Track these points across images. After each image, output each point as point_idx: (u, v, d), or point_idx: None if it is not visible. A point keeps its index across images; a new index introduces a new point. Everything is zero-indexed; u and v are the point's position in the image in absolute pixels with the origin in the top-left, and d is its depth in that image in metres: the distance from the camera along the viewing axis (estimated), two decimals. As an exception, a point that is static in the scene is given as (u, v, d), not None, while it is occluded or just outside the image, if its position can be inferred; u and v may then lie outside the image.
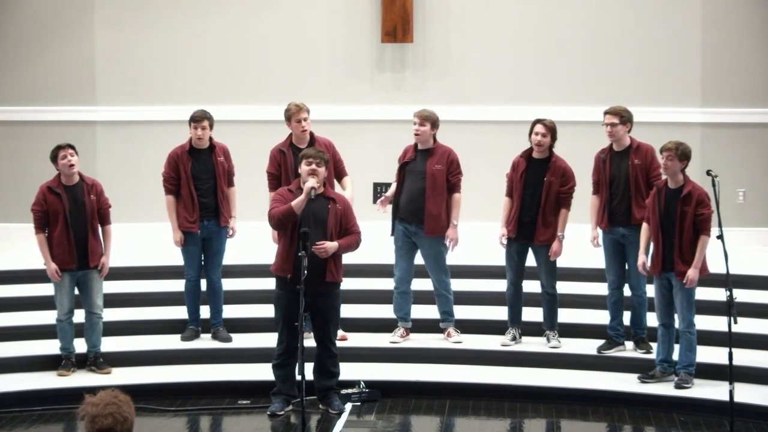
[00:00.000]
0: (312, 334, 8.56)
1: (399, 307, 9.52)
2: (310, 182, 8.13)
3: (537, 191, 9.18)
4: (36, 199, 8.92)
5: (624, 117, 9.06)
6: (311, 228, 8.04)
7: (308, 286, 7.79)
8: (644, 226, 8.67)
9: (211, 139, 9.55)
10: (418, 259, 9.53)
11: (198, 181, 9.47)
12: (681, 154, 8.41)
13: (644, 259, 8.60)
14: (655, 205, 8.52)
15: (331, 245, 8.15)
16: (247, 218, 10.26)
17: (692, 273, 8.35)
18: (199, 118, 9.44)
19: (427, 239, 9.35)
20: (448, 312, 9.53)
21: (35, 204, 8.91)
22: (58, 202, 8.84)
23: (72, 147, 8.90)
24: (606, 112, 9.12)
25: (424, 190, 9.30)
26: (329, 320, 8.37)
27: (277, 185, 9.14)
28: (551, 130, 9.19)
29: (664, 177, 8.60)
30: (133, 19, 12.48)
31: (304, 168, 8.25)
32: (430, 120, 9.34)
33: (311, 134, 9.40)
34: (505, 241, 9.30)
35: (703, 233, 8.38)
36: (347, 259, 9.88)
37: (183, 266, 9.66)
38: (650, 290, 8.98)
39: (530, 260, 9.38)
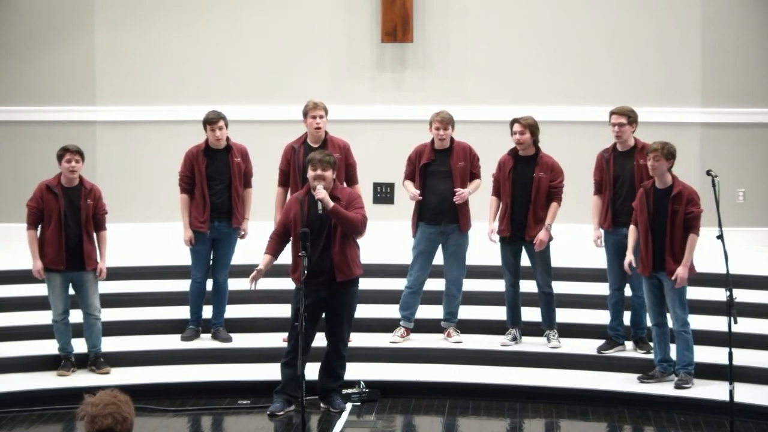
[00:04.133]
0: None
1: (407, 306, 9.52)
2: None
3: (527, 188, 9.23)
4: (33, 195, 8.93)
5: (631, 117, 9.08)
6: (317, 231, 8.08)
7: (324, 285, 7.96)
8: (632, 227, 8.68)
9: (228, 139, 9.53)
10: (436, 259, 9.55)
11: (212, 181, 9.44)
12: (667, 153, 8.43)
13: (632, 258, 8.62)
14: (644, 205, 8.53)
15: (328, 199, 8.12)
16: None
17: (681, 271, 8.36)
18: (215, 120, 9.40)
19: (458, 236, 9.41)
20: (453, 313, 9.53)
21: (31, 200, 8.92)
22: (55, 201, 8.84)
23: (80, 153, 8.88)
24: (613, 112, 9.12)
25: (453, 189, 9.34)
26: (342, 320, 8.34)
27: (286, 181, 9.36)
28: (528, 126, 9.24)
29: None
30: (133, 19, 12.49)
31: (310, 173, 8.26)
32: (452, 123, 9.43)
33: (326, 134, 9.41)
34: (494, 237, 9.35)
35: (692, 231, 8.40)
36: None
37: (182, 266, 9.67)
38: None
39: (524, 260, 9.39)
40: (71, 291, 8.99)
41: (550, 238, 9.25)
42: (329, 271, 8.14)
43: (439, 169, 9.42)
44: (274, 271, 8.91)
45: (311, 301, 8.06)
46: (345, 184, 9.24)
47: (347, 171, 9.41)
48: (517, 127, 9.27)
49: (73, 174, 8.87)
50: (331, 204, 8.13)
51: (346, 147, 9.47)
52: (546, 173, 9.23)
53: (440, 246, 9.51)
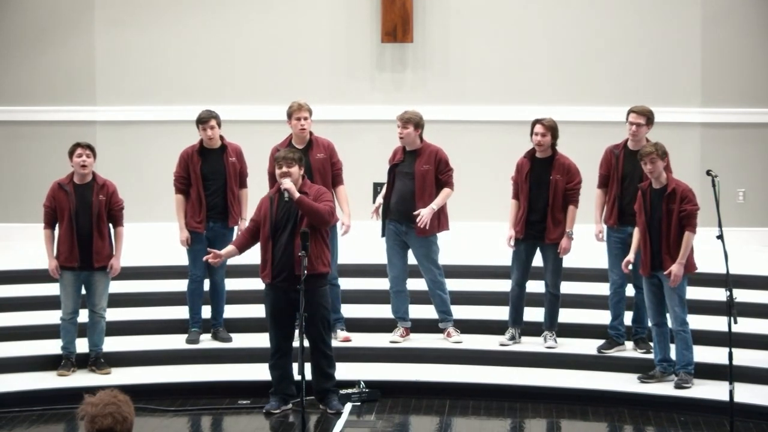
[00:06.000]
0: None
1: (396, 307, 9.51)
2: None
3: (543, 190, 9.18)
4: (46, 195, 8.98)
5: (650, 119, 9.06)
6: (282, 226, 8.11)
7: (289, 283, 7.93)
8: (636, 229, 8.68)
9: (222, 138, 9.53)
10: (411, 259, 9.53)
11: (207, 181, 9.43)
12: (661, 153, 8.45)
13: (631, 259, 8.62)
14: (642, 206, 8.54)
15: (294, 189, 8.13)
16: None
17: (676, 268, 8.35)
18: (206, 119, 9.41)
19: (417, 239, 9.35)
20: (446, 312, 9.51)
21: (45, 200, 8.98)
22: (66, 199, 8.86)
23: (91, 148, 8.93)
24: (632, 111, 9.07)
25: (414, 191, 9.30)
26: (316, 320, 8.15)
27: (274, 183, 9.27)
28: (550, 128, 9.18)
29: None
30: (133, 19, 12.48)
31: (276, 172, 8.31)
32: (411, 122, 9.30)
33: (311, 135, 9.40)
34: (512, 243, 9.29)
35: (688, 229, 8.40)
36: (346, 259, 9.88)
37: (182, 266, 9.66)
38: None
39: (536, 260, 9.36)
40: (83, 291, 9.00)
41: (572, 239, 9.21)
42: (291, 266, 8.05)
43: (405, 170, 9.37)
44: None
45: (284, 305, 8.11)
46: (331, 185, 9.25)
47: (332, 170, 9.40)
48: (539, 128, 9.18)
49: (84, 169, 8.88)
50: (297, 195, 8.13)
51: (331, 146, 9.46)
52: (562, 175, 9.16)
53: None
